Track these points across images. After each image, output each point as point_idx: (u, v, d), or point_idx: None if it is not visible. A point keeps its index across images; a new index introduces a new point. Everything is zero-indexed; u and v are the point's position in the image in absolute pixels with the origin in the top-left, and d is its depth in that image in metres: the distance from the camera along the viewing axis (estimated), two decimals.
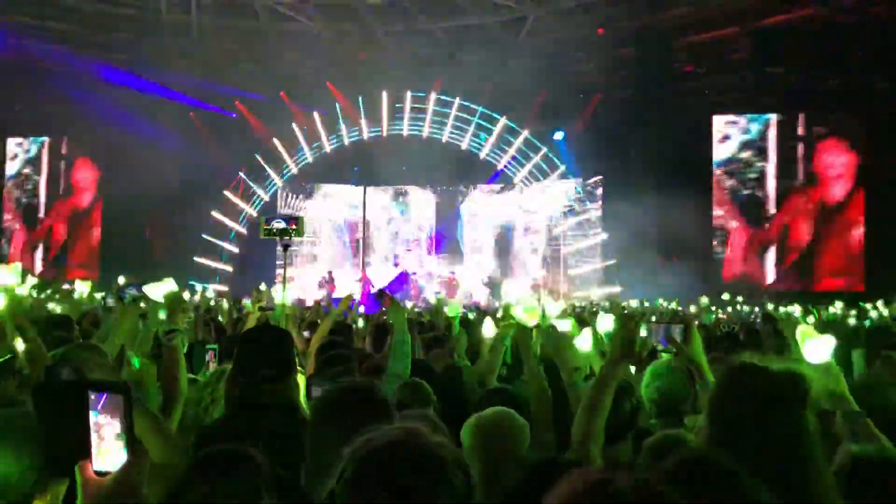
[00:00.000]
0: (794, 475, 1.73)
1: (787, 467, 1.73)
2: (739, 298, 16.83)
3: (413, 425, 1.32)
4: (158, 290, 3.33)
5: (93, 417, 1.34)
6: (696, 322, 8.31)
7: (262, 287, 7.18)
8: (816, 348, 2.38)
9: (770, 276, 21.64)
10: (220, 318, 8.02)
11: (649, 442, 2.36)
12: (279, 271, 23.22)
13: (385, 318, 8.68)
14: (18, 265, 3.56)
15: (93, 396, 1.34)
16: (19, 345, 3.48)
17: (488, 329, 4.72)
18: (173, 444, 2.13)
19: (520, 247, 24.04)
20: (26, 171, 25.54)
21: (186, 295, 10.24)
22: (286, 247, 5.46)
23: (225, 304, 10.53)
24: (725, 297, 16.50)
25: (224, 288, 21.37)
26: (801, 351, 2.42)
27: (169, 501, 1.93)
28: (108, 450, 1.34)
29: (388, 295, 4.91)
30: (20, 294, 3.45)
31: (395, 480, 1.20)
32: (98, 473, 1.34)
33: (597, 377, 2.52)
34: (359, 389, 1.93)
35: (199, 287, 17.86)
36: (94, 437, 1.34)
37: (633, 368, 3.41)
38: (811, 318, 8.56)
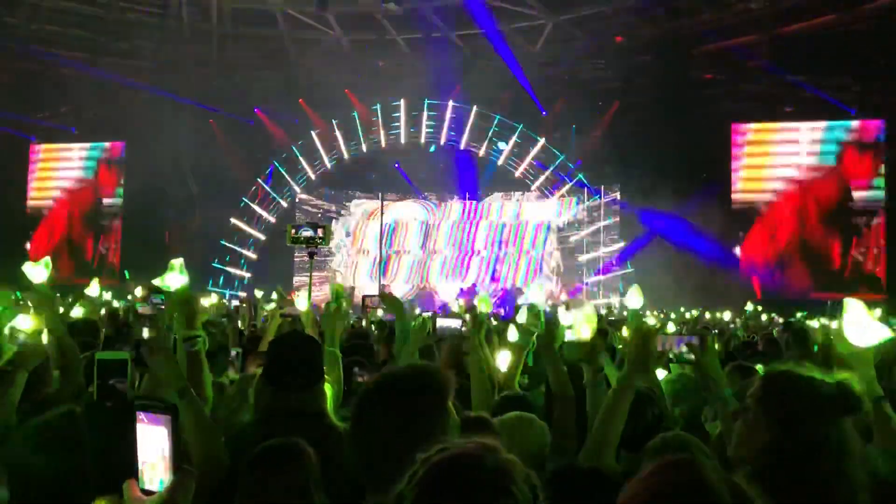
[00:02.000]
0: (837, 483, 1.73)
1: (831, 475, 1.73)
2: (750, 308, 16.64)
3: (490, 441, 1.33)
4: (171, 280, 3.07)
5: (140, 437, 1.37)
6: (714, 332, 8.26)
7: (274, 297, 7.18)
8: (865, 331, 2.20)
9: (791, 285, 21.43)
10: (239, 323, 8.08)
11: (651, 445, 2.38)
12: (297, 278, 23.40)
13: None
14: (48, 260, 3.45)
15: (141, 416, 1.37)
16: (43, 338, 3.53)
17: (502, 363, 4.64)
18: (219, 454, 2.14)
19: (536, 255, 24.00)
20: (48, 176, 25.87)
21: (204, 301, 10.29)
22: (312, 255, 5.47)
23: (245, 308, 10.61)
24: (749, 307, 16.32)
25: (244, 294, 21.50)
26: (844, 328, 2.23)
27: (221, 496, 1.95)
28: (154, 469, 1.37)
29: (384, 293, 5.02)
30: (47, 289, 3.40)
31: (462, 492, 1.23)
32: (144, 492, 1.36)
33: (614, 386, 2.53)
34: (415, 375, 1.80)
35: (214, 294, 17.95)
36: (141, 455, 1.37)
37: (660, 373, 3.41)
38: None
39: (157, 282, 3.10)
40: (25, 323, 3.09)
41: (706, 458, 2.27)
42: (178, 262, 3.13)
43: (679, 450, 2.29)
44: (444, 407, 1.75)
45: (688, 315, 15.47)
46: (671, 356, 3.34)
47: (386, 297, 4.61)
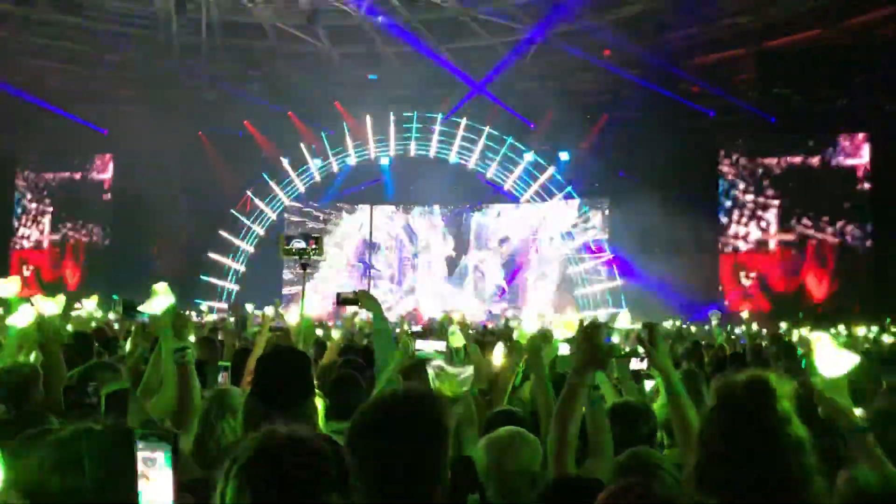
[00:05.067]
0: (778, 487, 1.70)
1: (770, 479, 1.69)
2: (745, 315, 16.70)
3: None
4: (155, 305, 3.18)
5: (140, 465, 1.37)
6: (703, 343, 8.26)
7: (269, 310, 7.16)
8: (835, 361, 2.27)
9: (778, 298, 21.54)
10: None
11: (618, 460, 2.38)
12: (284, 290, 23.32)
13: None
14: (62, 298, 3.66)
15: (140, 445, 1.37)
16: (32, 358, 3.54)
17: (497, 357, 4.69)
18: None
19: (525, 267, 24.02)
20: (41, 185, 25.78)
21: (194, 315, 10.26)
22: (305, 266, 5.41)
23: (232, 321, 10.59)
24: (745, 314, 16.39)
25: (226, 305, 21.41)
26: (815, 361, 2.30)
27: None
28: (154, 496, 1.37)
29: (361, 292, 4.92)
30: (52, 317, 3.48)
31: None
32: None
33: (564, 387, 2.46)
34: (412, 402, 1.70)
35: (204, 307, 17.89)
36: (140, 483, 1.37)
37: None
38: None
39: (143, 308, 3.25)
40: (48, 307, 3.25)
41: (669, 474, 2.28)
42: (161, 287, 3.25)
43: (644, 465, 2.30)
44: (443, 435, 1.70)
45: (664, 323, 15.52)
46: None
47: (364, 296, 4.57)
